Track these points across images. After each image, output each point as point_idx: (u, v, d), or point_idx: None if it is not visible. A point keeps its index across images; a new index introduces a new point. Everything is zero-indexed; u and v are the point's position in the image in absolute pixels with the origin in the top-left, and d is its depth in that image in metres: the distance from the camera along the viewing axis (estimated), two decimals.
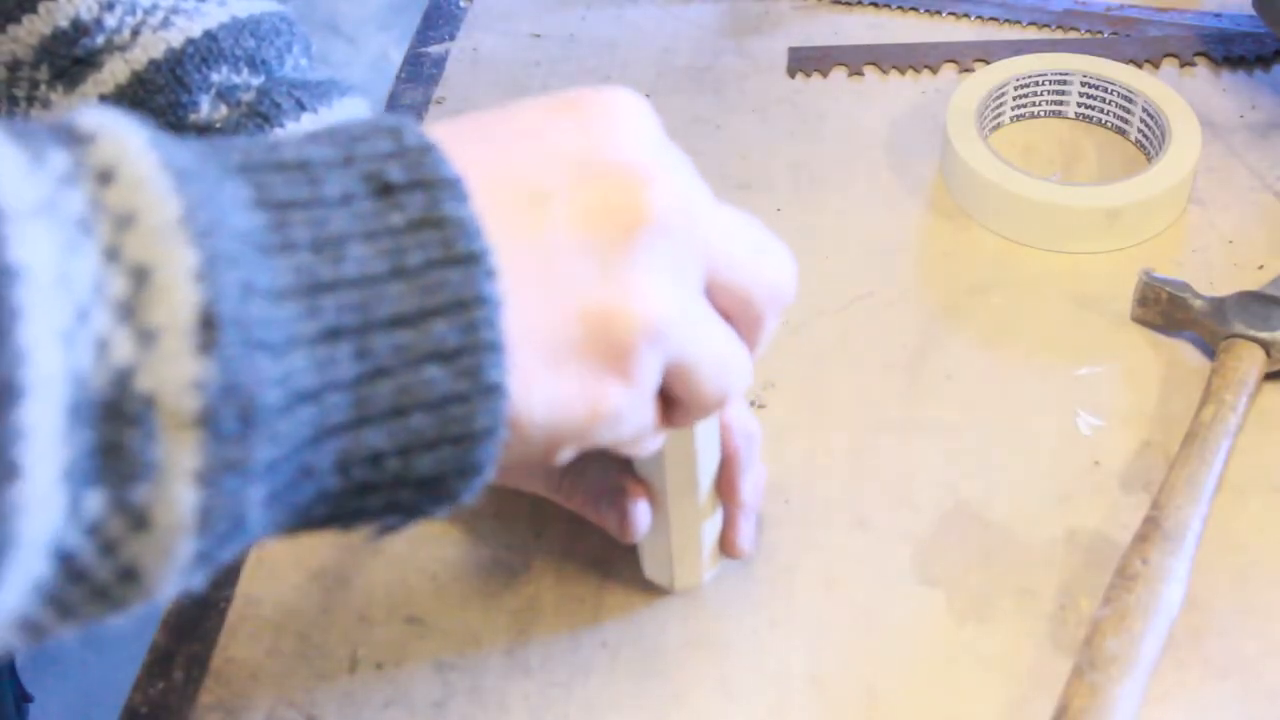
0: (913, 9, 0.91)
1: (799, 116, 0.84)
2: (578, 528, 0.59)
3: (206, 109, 0.61)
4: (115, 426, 0.32)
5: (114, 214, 0.33)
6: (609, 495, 0.56)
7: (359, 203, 0.36)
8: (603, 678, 0.57)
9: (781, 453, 0.63)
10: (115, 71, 0.60)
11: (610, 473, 0.56)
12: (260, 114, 0.61)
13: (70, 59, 0.60)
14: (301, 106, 0.62)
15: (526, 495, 0.59)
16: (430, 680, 0.57)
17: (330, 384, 0.35)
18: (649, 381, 0.41)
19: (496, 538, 0.62)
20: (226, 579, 0.61)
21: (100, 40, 0.60)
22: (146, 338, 0.32)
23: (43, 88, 0.61)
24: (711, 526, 0.58)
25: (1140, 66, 0.86)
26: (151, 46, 0.60)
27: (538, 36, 0.90)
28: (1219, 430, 0.63)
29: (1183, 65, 0.87)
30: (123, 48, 0.60)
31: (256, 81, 0.62)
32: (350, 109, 0.64)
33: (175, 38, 0.60)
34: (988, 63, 0.85)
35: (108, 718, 0.62)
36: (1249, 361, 0.65)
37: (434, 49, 0.89)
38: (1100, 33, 0.90)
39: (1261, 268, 0.73)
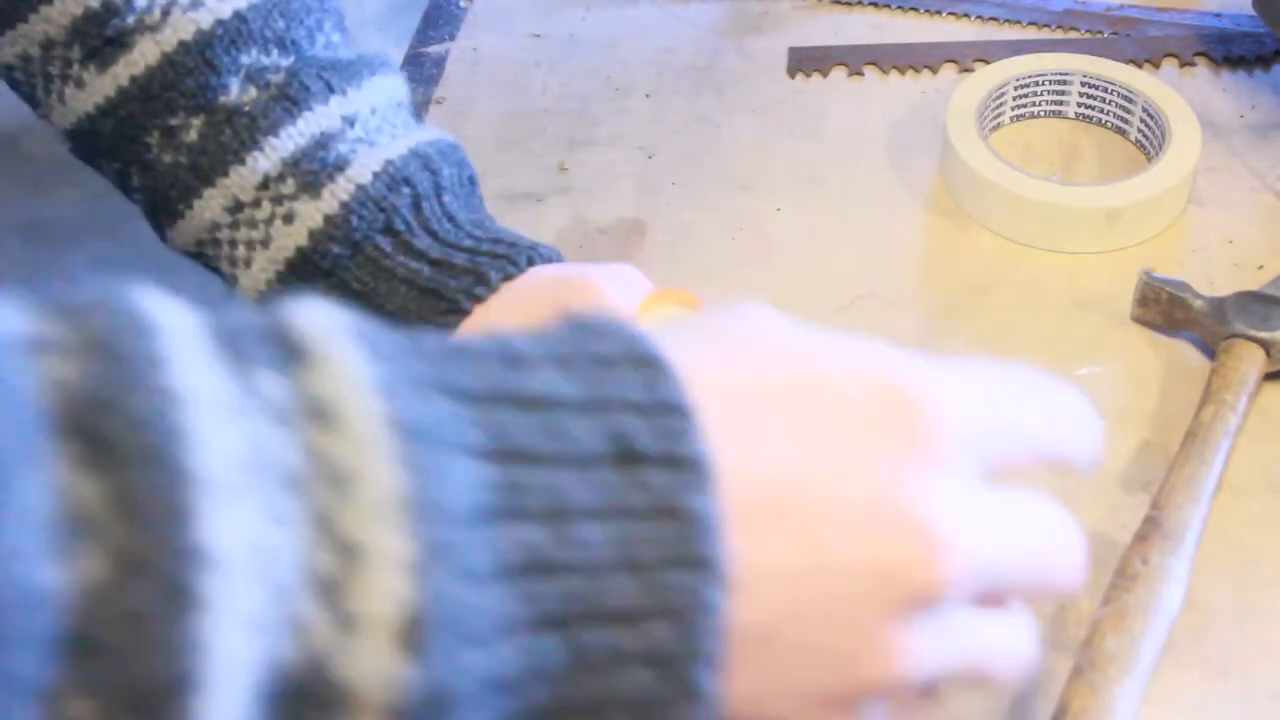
0: (913, 9, 0.91)
1: (799, 116, 0.84)
2: None
3: (236, 91, 0.61)
4: (302, 708, 0.30)
5: (331, 472, 0.30)
6: None
7: (600, 470, 0.32)
8: None
9: None
10: (145, 53, 0.60)
11: None
12: (289, 97, 0.61)
13: (102, 39, 0.60)
14: (330, 89, 0.62)
15: None
16: None
17: (532, 675, 0.32)
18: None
19: None
20: None
21: (130, 20, 0.60)
22: (348, 624, 0.29)
23: (75, 67, 0.61)
24: None
25: (1140, 66, 0.86)
26: (181, 28, 0.60)
27: (538, 36, 0.90)
28: (1219, 430, 0.63)
29: (1183, 65, 0.87)
30: (153, 28, 0.60)
31: (286, 62, 0.62)
32: (380, 87, 0.63)
33: (205, 19, 0.60)
34: (988, 63, 0.85)
35: None
36: (1249, 362, 0.65)
37: (434, 49, 0.89)
38: (1100, 33, 0.90)
39: (1261, 268, 0.73)
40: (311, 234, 0.61)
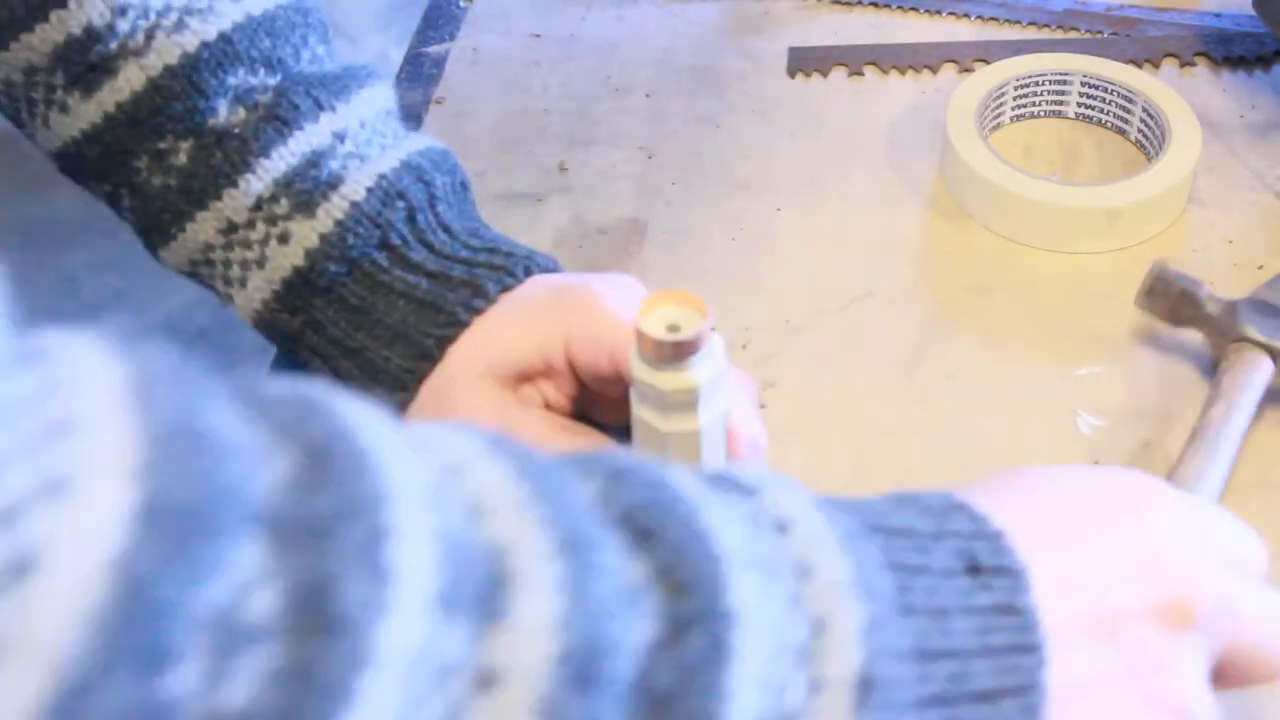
0: (913, 9, 0.91)
1: (799, 116, 0.84)
2: None
3: (224, 113, 0.61)
4: None
5: (796, 564, 0.37)
6: None
7: (957, 579, 0.40)
8: None
9: (781, 453, 0.63)
10: (131, 78, 0.60)
11: None
12: (279, 117, 0.61)
13: (85, 65, 0.60)
14: (319, 106, 0.61)
15: None
16: None
17: None
18: None
19: None
20: None
21: (114, 45, 0.59)
22: (815, 686, 0.36)
23: (59, 92, 0.61)
24: None
25: (1140, 66, 0.86)
26: (166, 51, 0.60)
27: (538, 36, 0.90)
28: (1229, 430, 0.63)
29: (1183, 65, 0.87)
30: (137, 52, 0.60)
31: (273, 81, 0.61)
32: (369, 99, 0.63)
33: (190, 42, 0.60)
34: (988, 63, 0.85)
35: None
36: (1256, 367, 0.65)
37: (434, 49, 0.89)
38: (1100, 33, 0.90)
39: (1261, 267, 0.73)
40: (308, 253, 0.60)
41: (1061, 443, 0.65)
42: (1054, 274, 0.74)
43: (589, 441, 0.57)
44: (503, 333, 0.59)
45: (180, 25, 0.60)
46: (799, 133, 0.83)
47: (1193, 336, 0.70)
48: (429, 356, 0.59)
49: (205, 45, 0.60)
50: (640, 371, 0.53)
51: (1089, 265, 0.74)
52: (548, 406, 0.59)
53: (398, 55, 0.89)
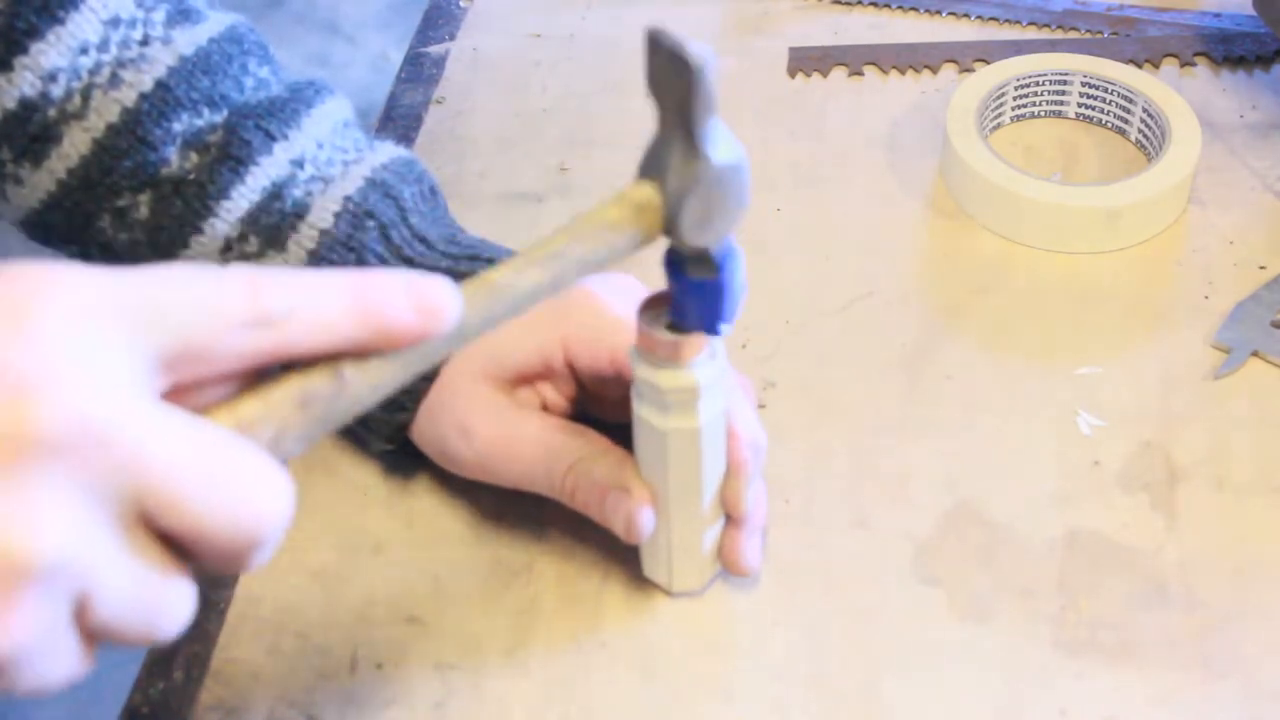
0: (912, 9, 0.91)
1: (799, 116, 0.84)
2: (579, 528, 0.59)
3: (176, 160, 0.60)
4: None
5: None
6: (614, 496, 0.56)
7: None
8: (603, 678, 0.57)
9: (781, 453, 0.63)
10: (76, 142, 0.59)
11: (615, 473, 0.56)
12: (232, 156, 0.60)
13: (28, 137, 0.59)
14: (271, 137, 0.60)
15: (528, 495, 0.59)
16: (430, 680, 0.57)
17: None
18: (43, 624, 0.37)
19: (497, 538, 0.62)
20: (226, 579, 0.61)
21: (52, 113, 0.59)
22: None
23: (9, 166, 0.60)
24: (713, 534, 0.58)
25: (1140, 66, 0.86)
26: (106, 110, 0.59)
27: (538, 36, 0.90)
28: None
29: (1183, 65, 0.87)
30: (77, 115, 0.59)
31: (220, 118, 0.61)
32: (322, 118, 0.63)
33: (127, 96, 0.59)
34: (988, 63, 0.85)
35: (108, 718, 0.63)
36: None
37: (434, 49, 0.89)
38: (1100, 32, 0.90)
39: (1263, 268, 0.73)
40: None
41: (1061, 442, 0.65)
42: (1054, 274, 0.74)
43: (588, 441, 0.57)
44: (495, 340, 0.58)
45: (114, 80, 0.59)
46: (799, 133, 0.82)
47: (1192, 336, 0.70)
48: (424, 376, 0.59)
49: (144, 97, 0.59)
50: (640, 369, 0.53)
51: (1089, 265, 0.74)
52: (545, 408, 0.59)
53: (398, 55, 0.89)
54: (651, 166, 0.48)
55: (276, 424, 0.41)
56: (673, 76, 0.47)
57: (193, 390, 0.40)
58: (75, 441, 0.36)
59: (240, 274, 0.40)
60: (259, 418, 0.41)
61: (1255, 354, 0.68)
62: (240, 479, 0.39)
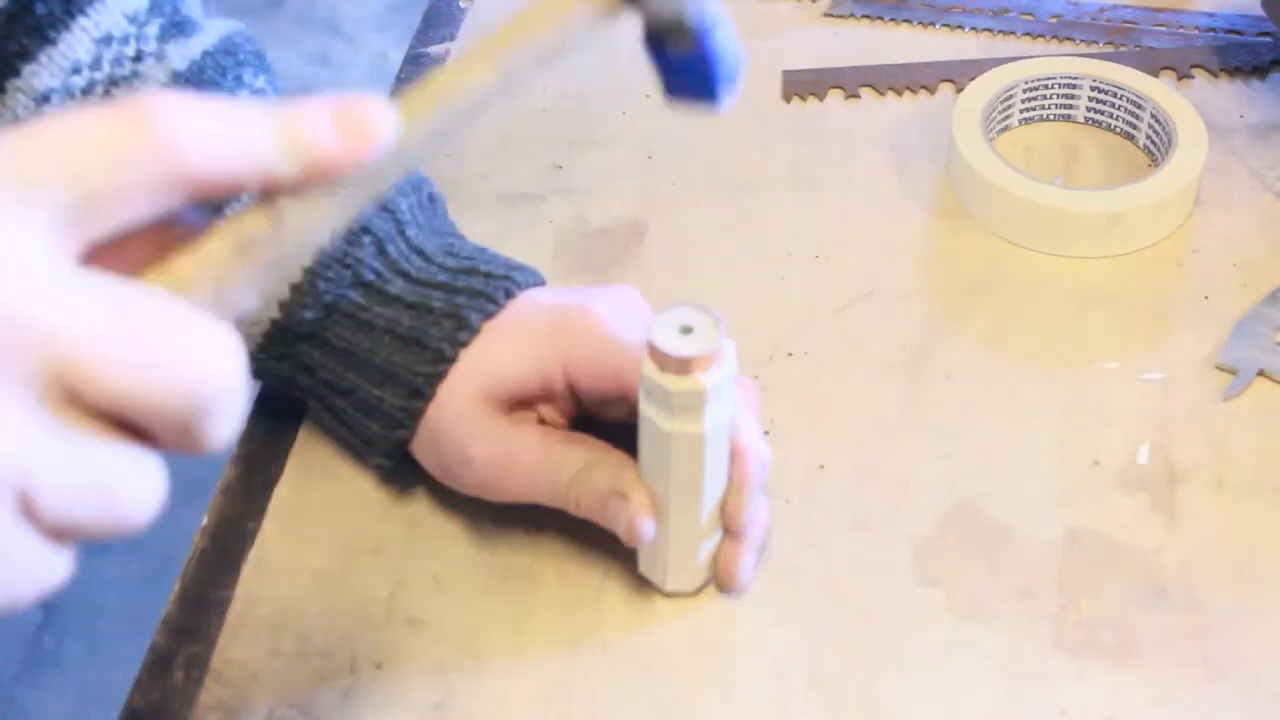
0: (905, 21, 0.91)
1: (800, 116, 0.84)
2: (578, 528, 0.59)
3: None
4: None
5: None
6: (614, 503, 0.56)
7: None
8: (603, 678, 0.57)
9: (782, 452, 0.63)
10: None
11: (615, 478, 0.56)
12: None
13: None
14: None
15: None
16: (430, 680, 0.57)
17: None
18: None
19: (497, 539, 0.62)
20: (226, 579, 0.61)
21: None
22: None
23: None
24: (710, 543, 0.58)
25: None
26: None
27: None
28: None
29: (1180, 78, 0.86)
30: None
31: None
32: None
33: None
34: None
35: (108, 718, 0.63)
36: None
37: (434, 49, 0.89)
38: (1095, 42, 0.89)
39: (1263, 270, 0.73)
40: (282, 305, 0.60)
41: (1061, 443, 0.65)
42: (1055, 276, 0.74)
43: (588, 449, 0.57)
44: (494, 361, 0.58)
45: (107, 100, 0.59)
46: (799, 133, 0.82)
47: (1193, 335, 0.70)
48: (421, 395, 0.59)
49: None
50: (649, 369, 0.53)
51: (1089, 266, 0.74)
52: (542, 422, 0.59)
53: (398, 55, 0.89)
54: None
55: (213, 276, 0.37)
56: None
57: (115, 249, 0.37)
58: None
59: (138, 106, 0.36)
60: (193, 274, 0.37)
61: (1262, 373, 0.68)
62: (170, 339, 0.35)
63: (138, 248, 0.37)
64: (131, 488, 0.37)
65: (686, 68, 0.44)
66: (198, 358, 0.36)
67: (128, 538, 0.38)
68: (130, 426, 0.36)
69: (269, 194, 0.38)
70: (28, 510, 0.35)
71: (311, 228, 0.39)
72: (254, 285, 0.38)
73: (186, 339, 0.36)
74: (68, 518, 0.36)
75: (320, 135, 0.38)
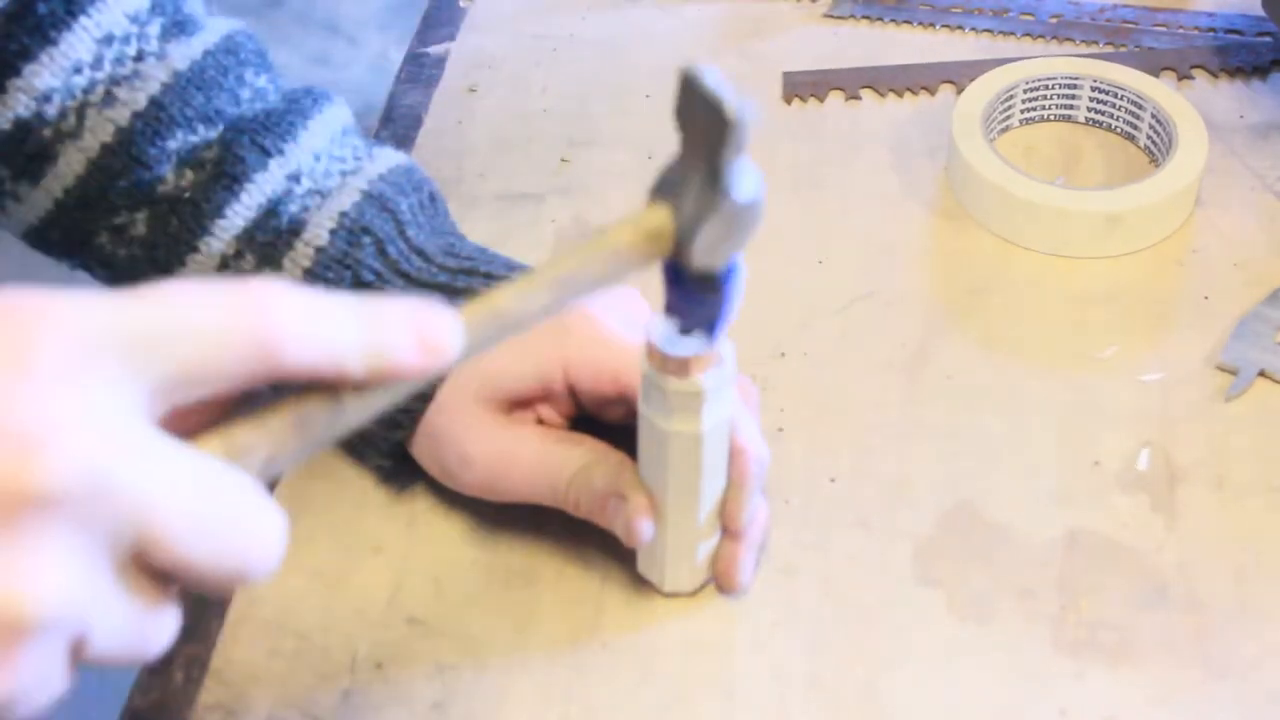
0: (906, 22, 0.91)
1: (800, 117, 0.84)
2: (579, 528, 0.59)
3: (172, 178, 0.60)
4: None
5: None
6: (613, 504, 0.56)
7: None
8: (603, 678, 0.57)
9: (781, 452, 0.63)
10: (71, 162, 0.59)
11: (613, 478, 0.56)
12: (227, 174, 0.59)
13: (24, 156, 0.59)
14: (267, 153, 0.60)
15: None
16: (430, 680, 0.57)
17: None
18: (43, 670, 0.37)
19: (497, 538, 0.62)
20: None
21: (47, 133, 0.59)
22: None
23: (8, 184, 0.60)
24: (709, 544, 0.58)
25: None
26: (100, 129, 0.59)
27: (538, 36, 0.90)
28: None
29: (1180, 79, 0.86)
30: (72, 135, 0.59)
31: (215, 135, 0.60)
32: (319, 129, 0.62)
33: (121, 115, 0.59)
34: None
35: (107, 718, 0.63)
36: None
37: (434, 49, 0.89)
38: (1095, 42, 0.89)
39: (1263, 270, 0.73)
40: None
41: (1061, 443, 0.65)
42: (1054, 277, 0.74)
43: (587, 449, 0.57)
44: (493, 362, 0.58)
45: (108, 99, 0.59)
46: (799, 133, 0.82)
47: (1193, 335, 0.70)
48: (421, 396, 0.59)
49: (137, 115, 0.59)
50: (647, 369, 0.53)
51: (1090, 266, 0.74)
52: (541, 422, 0.59)
53: (398, 55, 0.89)
54: (666, 189, 0.47)
55: (270, 448, 0.41)
56: (704, 119, 0.45)
57: (184, 413, 0.40)
58: (78, 495, 0.35)
59: (251, 294, 0.39)
60: (254, 444, 0.40)
61: (1262, 374, 0.68)
62: (236, 520, 0.39)
63: (201, 414, 0.40)
64: (161, 633, 0.40)
65: (701, 303, 0.49)
66: (260, 539, 0.39)
67: None
68: (164, 575, 0.39)
69: (335, 384, 0.41)
70: (75, 653, 0.38)
71: (364, 414, 0.42)
72: (299, 456, 0.41)
73: (254, 521, 0.39)
74: (104, 658, 0.39)
75: (398, 347, 0.41)
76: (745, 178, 0.47)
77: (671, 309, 0.50)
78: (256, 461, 0.40)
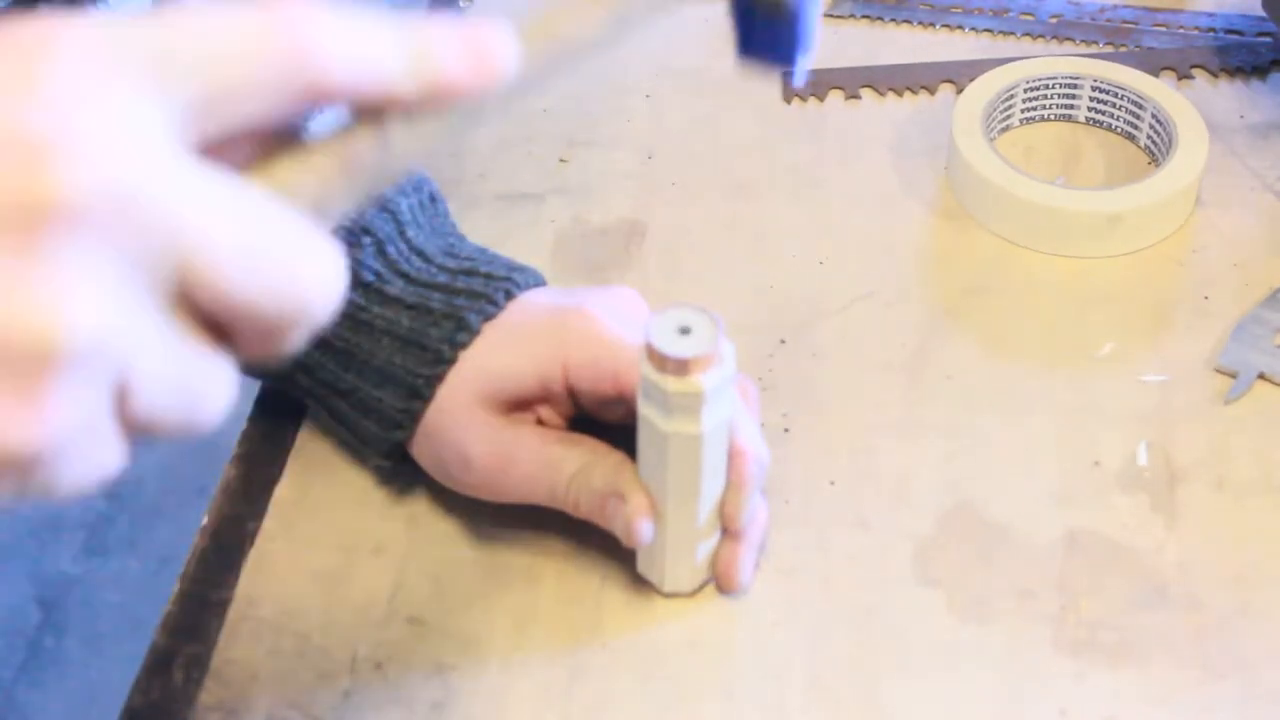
0: (905, 21, 0.91)
1: (800, 116, 0.84)
2: (578, 528, 0.59)
3: None
4: None
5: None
6: (612, 504, 0.56)
7: None
8: (603, 678, 0.57)
9: (781, 453, 0.63)
10: None
11: (613, 479, 0.56)
12: None
13: None
14: None
15: None
16: (430, 680, 0.57)
17: None
18: (80, 414, 0.33)
19: (497, 538, 0.62)
20: (226, 579, 0.61)
21: None
22: None
23: None
24: (709, 544, 0.58)
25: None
26: None
27: None
28: None
29: (1180, 79, 0.86)
30: None
31: None
32: (314, 132, 0.61)
33: None
34: None
35: (108, 718, 0.62)
36: None
37: None
38: (1095, 42, 0.89)
39: (1263, 270, 0.73)
40: None
41: (1061, 443, 0.65)
42: (1055, 276, 0.74)
43: (586, 449, 0.57)
44: (493, 363, 0.58)
45: None
46: (799, 133, 0.82)
47: (1193, 337, 0.70)
48: (420, 396, 0.59)
49: None
50: (647, 370, 0.53)
51: (1090, 266, 0.74)
52: (540, 423, 0.59)
53: None
54: None
55: (317, 189, 0.37)
56: None
57: (217, 149, 0.35)
58: (103, 205, 0.31)
59: (277, 6, 0.35)
60: (298, 182, 0.37)
61: (1261, 376, 0.68)
62: (288, 247, 0.35)
63: (239, 150, 0.36)
64: (215, 390, 0.36)
65: (771, 31, 0.45)
66: (312, 269, 0.35)
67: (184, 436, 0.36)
68: (216, 325, 0.35)
69: (378, 111, 0.37)
70: (120, 401, 0.34)
71: (414, 151, 0.38)
72: (348, 201, 0.38)
73: (304, 249, 0.35)
74: (153, 414, 0.34)
75: (447, 60, 0.37)
76: None
77: (743, 45, 0.46)
78: (303, 203, 0.36)
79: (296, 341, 0.36)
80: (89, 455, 0.34)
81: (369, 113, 0.37)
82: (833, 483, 0.64)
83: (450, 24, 0.37)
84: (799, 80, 0.47)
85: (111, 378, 0.33)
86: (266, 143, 0.37)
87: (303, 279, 0.35)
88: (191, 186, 0.33)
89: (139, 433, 0.35)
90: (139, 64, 0.33)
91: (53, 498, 0.34)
